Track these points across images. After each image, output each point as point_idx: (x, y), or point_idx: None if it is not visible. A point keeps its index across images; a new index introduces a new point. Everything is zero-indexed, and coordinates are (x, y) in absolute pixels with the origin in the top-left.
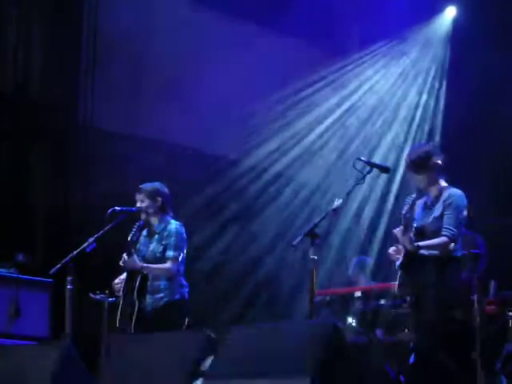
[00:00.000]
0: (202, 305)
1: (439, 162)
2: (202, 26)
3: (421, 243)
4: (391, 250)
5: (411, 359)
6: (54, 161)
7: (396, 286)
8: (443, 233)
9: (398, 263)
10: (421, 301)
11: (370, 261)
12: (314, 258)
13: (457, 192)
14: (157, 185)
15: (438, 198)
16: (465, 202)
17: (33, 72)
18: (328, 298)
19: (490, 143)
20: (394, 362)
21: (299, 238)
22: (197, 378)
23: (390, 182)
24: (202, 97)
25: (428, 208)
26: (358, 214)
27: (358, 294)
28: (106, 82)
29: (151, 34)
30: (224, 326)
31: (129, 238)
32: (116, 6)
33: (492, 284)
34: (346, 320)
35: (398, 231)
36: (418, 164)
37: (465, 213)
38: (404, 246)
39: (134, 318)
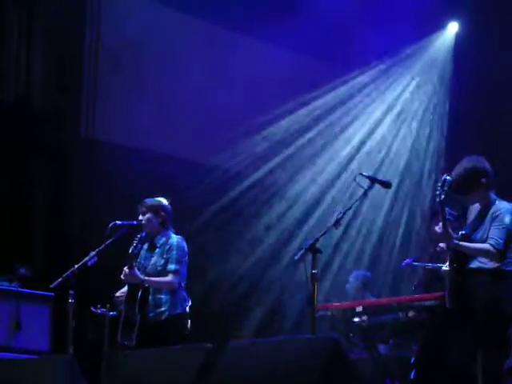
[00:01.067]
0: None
1: (486, 179)
2: (205, 39)
3: (461, 242)
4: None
5: (412, 375)
6: (54, 173)
7: (446, 296)
8: (488, 241)
9: (445, 267)
10: (476, 316)
11: (370, 275)
12: (315, 273)
13: (506, 205)
14: (160, 200)
15: (486, 210)
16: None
17: (34, 83)
18: (329, 313)
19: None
20: (395, 378)
21: (301, 253)
22: None
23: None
24: (205, 110)
25: (478, 220)
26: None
27: (359, 308)
28: (108, 94)
29: (154, 45)
30: (223, 340)
31: (130, 251)
32: (118, 18)
33: None
34: (347, 335)
35: (438, 227)
36: (462, 186)
37: None
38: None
39: (135, 331)
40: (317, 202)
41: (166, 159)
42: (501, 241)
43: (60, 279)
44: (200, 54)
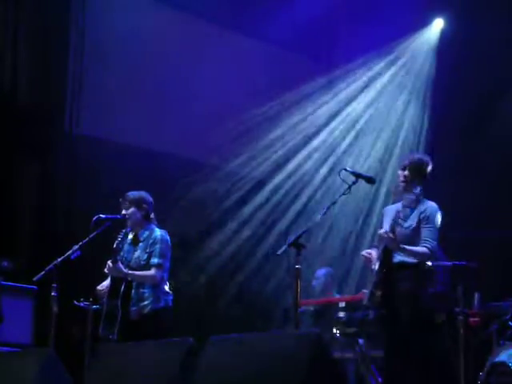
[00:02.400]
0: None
1: (428, 171)
2: (191, 34)
3: (406, 246)
4: (365, 252)
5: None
6: (39, 167)
7: (367, 295)
8: (424, 244)
9: (374, 267)
10: (400, 311)
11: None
12: (298, 268)
13: (434, 205)
14: (142, 193)
15: (412, 207)
16: (440, 215)
17: (19, 79)
18: (312, 309)
19: (478, 156)
20: (377, 373)
21: (283, 248)
22: None
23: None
24: (191, 106)
25: (400, 217)
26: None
27: (342, 304)
28: (93, 90)
29: (140, 40)
30: (205, 335)
31: (114, 245)
32: (104, 13)
33: (476, 296)
34: (329, 330)
35: (382, 231)
36: (418, 167)
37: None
38: (389, 245)
39: (117, 325)
40: (297, 195)
41: (150, 154)
42: (434, 242)
43: (43, 272)
44: (187, 49)
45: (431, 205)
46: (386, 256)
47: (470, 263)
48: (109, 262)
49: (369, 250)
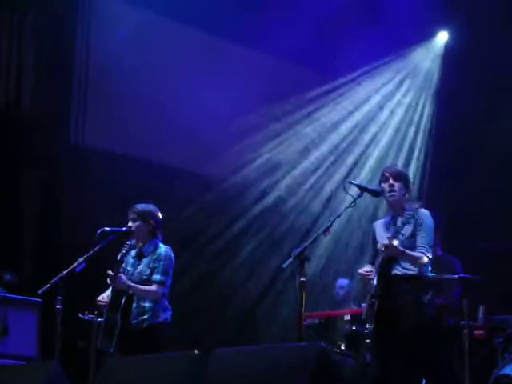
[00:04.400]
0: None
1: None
2: (194, 45)
3: (407, 251)
4: (363, 270)
5: None
6: (44, 179)
7: (365, 308)
8: (420, 250)
9: (374, 282)
10: (402, 322)
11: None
12: (303, 281)
13: (426, 212)
14: (151, 207)
15: (403, 216)
16: (433, 222)
17: (24, 92)
18: (317, 321)
19: (481, 172)
20: None
21: (289, 261)
22: None
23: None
24: (196, 117)
25: (394, 227)
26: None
27: (347, 317)
28: (98, 102)
29: (144, 53)
30: (210, 348)
31: (118, 257)
32: (109, 26)
33: (481, 309)
34: (334, 343)
35: (385, 242)
36: (403, 176)
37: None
38: (391, 254)
39: (115, 338)
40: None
41: (155, 166)
42: (430, 249)
43: (48, 285)
44: (191, 62)
45: (423, 212)
46: (384, 268)
47: (475, 276)
48: (110, 272)
49: (366, 268)
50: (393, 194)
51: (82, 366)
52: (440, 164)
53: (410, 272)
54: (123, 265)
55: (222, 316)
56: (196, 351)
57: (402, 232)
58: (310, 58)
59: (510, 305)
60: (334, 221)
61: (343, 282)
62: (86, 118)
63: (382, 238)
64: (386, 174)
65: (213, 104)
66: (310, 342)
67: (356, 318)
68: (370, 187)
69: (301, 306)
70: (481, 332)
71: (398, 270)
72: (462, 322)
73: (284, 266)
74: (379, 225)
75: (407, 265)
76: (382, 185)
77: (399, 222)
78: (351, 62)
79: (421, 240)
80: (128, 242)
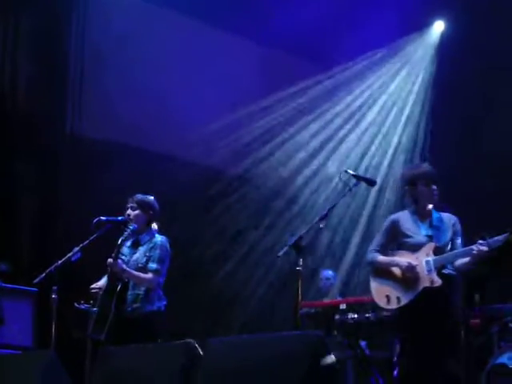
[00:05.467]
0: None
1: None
2: (189, 35)
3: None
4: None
5: (395, 373)
6: (40, 169)
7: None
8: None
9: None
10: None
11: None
12: (298, 270)
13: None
14: (151, 198)
15: (429, 219)
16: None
17: (20, 82)
18: (313, 311)
19: (477, 159)
20: (378, 375)
21: (284, 250)
22: None
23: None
24: (190, 106)
25: (429, 227)
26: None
27: (343, 306)
28: (94, 91)
29: (139, 42)
30: (205, 337)
31: (119, 241)
32: (104, 16)
33: (476, 298)
34: (330, 332)
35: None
36: (434, 176)
37: None
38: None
39: (107, 325)
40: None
41: (152, 155)
42: None
43: (43, 275)
44: (186, 51)
45: (457, 219)
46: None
47: None
48: (110, 259)
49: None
50: (435, 196)
51: (78, 356)
52: (439, 155)
53: (453, 273)
54: (120, 253)
55: (215, 305)
56: (191, 341)
57: (440, 236)
58: (306, 47)
59: (506, 294)
60: (329, 210)
61: (328, 273)
62: (81, 108)
63: (411, 230)
64: (435, 177)
65: (209, 93)
66: (306, 330)
67: (352, 307)
68: (365, 176)
69: (297, 295)
70: (477, 321)
71: (448, 269)
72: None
73: (279, 254)
74: (403, 217)
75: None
76: (422, 188)
77: (433, 223)
78: (348, 53)
79: (459, 245)
80: (130, 227)
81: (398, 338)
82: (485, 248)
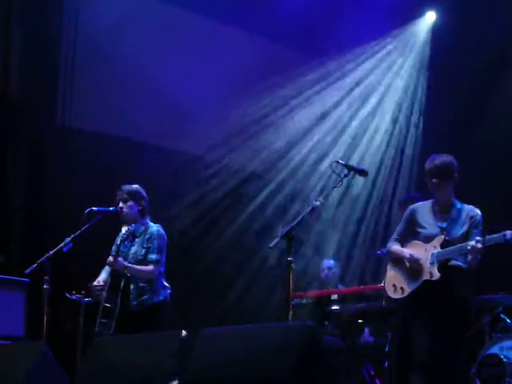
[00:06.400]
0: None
1: (457, 175)
2: (179, 27)
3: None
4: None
5: (386, 363)
6: (31, 160)
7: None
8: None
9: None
10: (448, 312)
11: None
12: (290, 261)
13: (479, 212)
14: (139, 187)
15: (450, 211)
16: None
17: (11, 73)
18: (304, 301)
19: (473, 150)
20: (369, 365)
21: (276, 240)
22: (173, 379)
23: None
24: (183, 98)
25: (446, 219)
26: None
27: (334, 296)
28: (85, 81)
29: (132, 33)
30: (197, 327)
31: (118, 241)
32: (96, 7)
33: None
34: (322, 323)
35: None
36: (445, 170)
37: None
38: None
39: (114, 320)
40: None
41: (142, 146)
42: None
43: (35, 265)
44: (180, 43)
45: (478, 211)
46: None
47: None
48: (110, 258)
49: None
50: (439, 192)
51: (70, 346)
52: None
53: (463, 265)
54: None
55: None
56: (183, 331)
57: (456, 230)
58: (298, 39)
59: (497, 285)
60: (320, 201)
61: (329, 262)
62: (72, 99)
63: (426, 222)
64: (426, 172)
65: (202, 85)
66: (297, 321)
67: (343, 297)
68: (356, 167)
69: (288, 286)
70: None
71: (452, 262)
72: None
73: (270, 245)
74: (422, 208)
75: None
76: (431, 182)
77: (453, 215)
78: (339, 44)
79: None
80: (129, 227)
81: (392, 328)
82: (479, 245)
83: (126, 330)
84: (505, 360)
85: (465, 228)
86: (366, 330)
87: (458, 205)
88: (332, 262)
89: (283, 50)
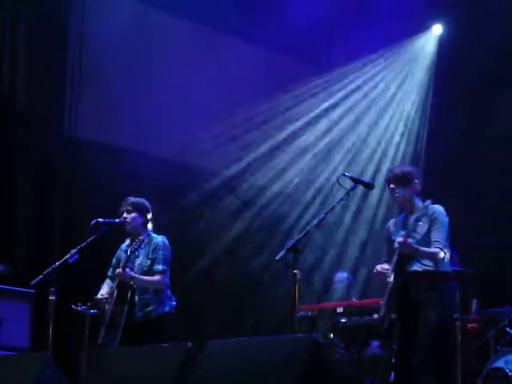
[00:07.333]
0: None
1: (418, 184)
2: (190, 40)
3: (420, 247)
4: (379, 267)
5: (392, 375)
6: (37, 171)
7: (383, 306)
8: (435, 246)
9: (390, 279)
10: (420, 320)
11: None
12: (295, 273)
13: (440, 208)
14: (144, 200)
15: (415, 214)
16: (447, 217)
17: (18, 83)
18: (310, 314)
19: (475, 161)
20: (374, 378)
21: (282, 253)
22: None
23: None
24: (189, 110)
25: (407, 225)
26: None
27: (340, 309)
28: (91, 94)
29: (138, 45)
30: (203, 340)
31: (128, 252)
32: (101, 19)
33: (474, 302)
34: (327, 335)
35: (401, 239)
36: (402, 178)
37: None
38: (405, 251)
39: (119, 332)
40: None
41: (149, 159)
42: (445, 243)
43: (41, 276)
44: (185, 55)
45: (436, 207)
46: (401, 265)
47: (468, 269)
48: (118, 270)
49: (382, 265)
50: (396, 195)
51: (75, 358)
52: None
53: (430, 268)
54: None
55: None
56: (189, 343)
57: (418, 230)
58: (304, 50)
59: (503, 298)
60: (326, 213)
61: (342, 275)
62: (79, 111)
63: (393, 232)
64: (387, 179)
65: (208, 97)
66: (303, 334)
67: (349, 310)
68: (363, 180)
69: (293, 298)
70: (474, 325)
71: (418, 267)
72: (455, 315)
73: (277, 258)
74: (393, 224)
75: (427, 261)
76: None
77: (412, 220)
78: (346, 56)
79: (435, 235)
80: (140, 237)
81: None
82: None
83: (131, 342)
84: (510, 374)
85: (426, 227)
86: (374, 343)
87: (423, 207)
88: (345, 274)
89: (287, 60)
